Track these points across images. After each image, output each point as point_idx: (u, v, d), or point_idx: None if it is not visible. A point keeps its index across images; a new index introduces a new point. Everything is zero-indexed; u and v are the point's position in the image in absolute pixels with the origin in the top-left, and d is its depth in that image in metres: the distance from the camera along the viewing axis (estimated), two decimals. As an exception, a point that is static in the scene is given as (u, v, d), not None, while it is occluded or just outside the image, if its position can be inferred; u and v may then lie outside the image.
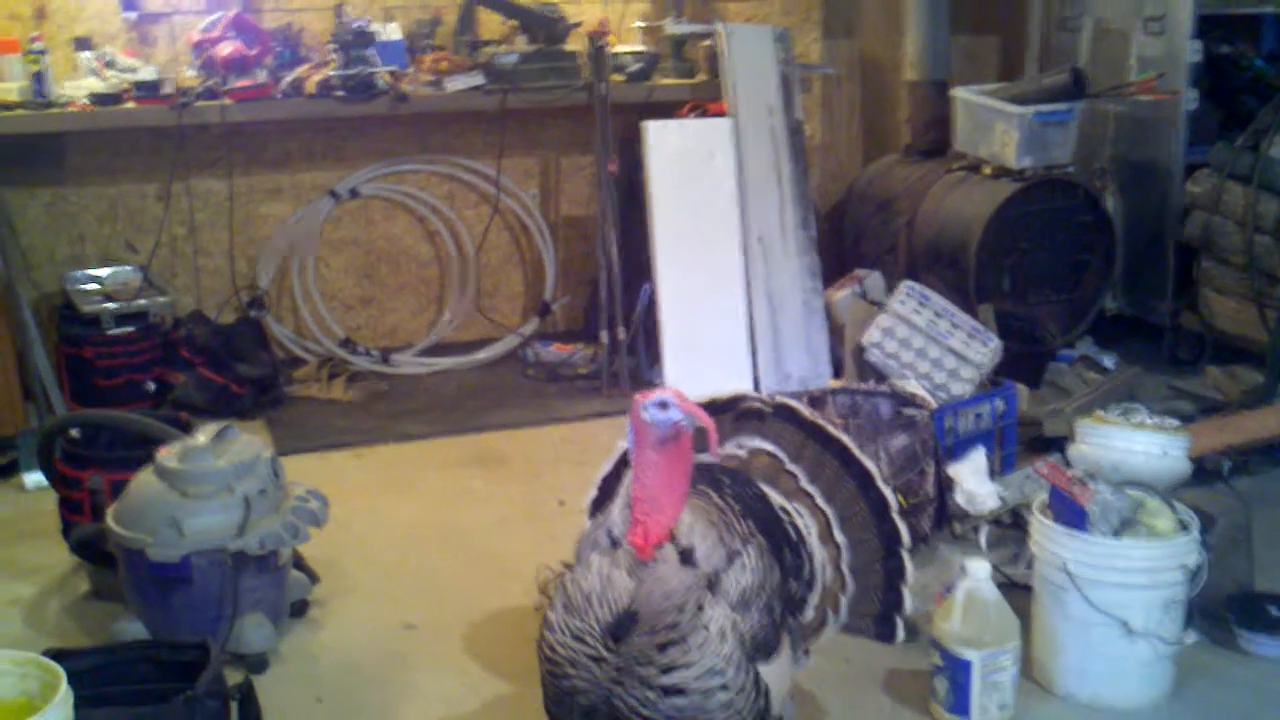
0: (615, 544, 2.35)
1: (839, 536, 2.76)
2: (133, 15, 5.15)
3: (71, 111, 4.84)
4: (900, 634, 2.79)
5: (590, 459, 2.99)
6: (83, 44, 5.05)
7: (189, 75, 5.09)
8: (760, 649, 2.39)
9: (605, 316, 5.20)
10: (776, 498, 2.70)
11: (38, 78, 4.82)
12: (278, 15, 5.33)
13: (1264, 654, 3.17)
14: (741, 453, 2.83)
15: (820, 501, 2.77)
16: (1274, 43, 6.23)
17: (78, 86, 4.90)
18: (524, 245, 5.90)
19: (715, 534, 2.40)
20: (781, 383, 4.97)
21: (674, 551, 2.32)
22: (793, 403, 2.88)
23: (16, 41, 4.90)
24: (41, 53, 4.83)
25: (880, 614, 2.78)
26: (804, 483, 2.78)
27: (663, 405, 2.27)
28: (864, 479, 2.78)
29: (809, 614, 2.67)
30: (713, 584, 2.34)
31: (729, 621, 2.31)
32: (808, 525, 2.72)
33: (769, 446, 2.82)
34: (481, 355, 5.66)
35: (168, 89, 4.95)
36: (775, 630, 2.46)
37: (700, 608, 2.29)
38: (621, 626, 2.28)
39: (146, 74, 4.97)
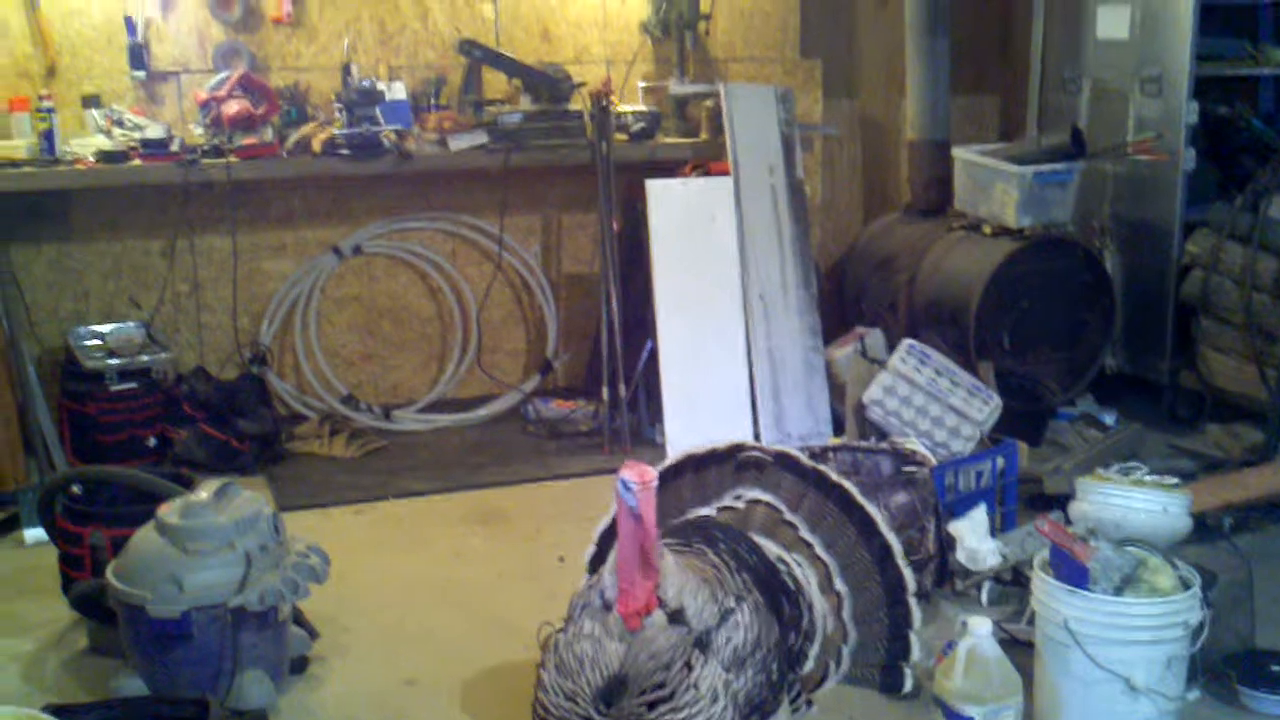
0: (608, 607, 2.35)
1: (840, 586, 2.73)
2: (141, 74, 5.18)
3: (78, 169, 4.86)
4: (909, 683, 2.75)
5: (591, 516, 2.98)
6: (91, 102, 5.09)
7: (196, 133, 5.13)
8: (756, 710, 2.37)
9: (607, 373, 5.21)
10: (773, 548, 2.68)
11: (46, 135, 4.85)
12: (285, 74, 5.39)
13: (1266, 711, 3.15)
14: (739, 505, 2.82)
15: (820, 551, 2.74)
16: (1271, 104, 6.28)
17: (85, 144, 4.94)
18: (526, 302, 5.93)
19: (708, 590, 2.38)
20: (782, 440, 4.97)
21: (663, 615, 2.31)
22: (793, 451, 2.88)
23: (27, 99, 4.95)
24: (50, 111, 4.87)
25: (886, 663, 2.75)
26: (804, 532, 2.76)
27: (625, 486, 2.28)
28: (866, 526, 2.76)
29: (809, 666, 2.65)
30: (703, 643, 2.32)
31: (720, 681, 2.29)
32: (807, 575, 2.70)
33: (768, 497, 2.81)
34: (483, 412, 5.66)
35: (174, 147, 4.99)
36: (773, 690, 2.43)
37: (689, 666, 2.28)
38: (612, 691, 2.28)
39: (153, 132, 4.99)
